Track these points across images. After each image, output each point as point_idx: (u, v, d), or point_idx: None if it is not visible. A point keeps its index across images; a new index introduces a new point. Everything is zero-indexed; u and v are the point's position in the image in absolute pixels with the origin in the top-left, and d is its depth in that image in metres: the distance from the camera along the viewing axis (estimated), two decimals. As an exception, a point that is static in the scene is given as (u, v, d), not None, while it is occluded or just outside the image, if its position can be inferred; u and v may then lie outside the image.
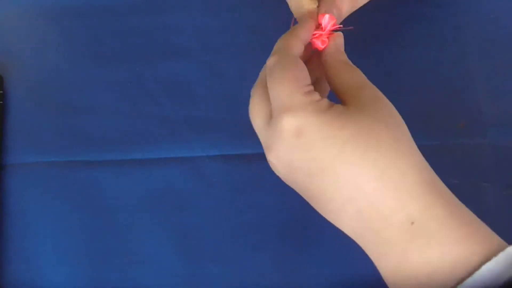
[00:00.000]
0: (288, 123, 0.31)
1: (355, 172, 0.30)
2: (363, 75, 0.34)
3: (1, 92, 0.46)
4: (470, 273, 0.27)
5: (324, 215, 0.33)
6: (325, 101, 0.32)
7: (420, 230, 0.29)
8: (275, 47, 0.35)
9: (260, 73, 0.36)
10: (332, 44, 0.36)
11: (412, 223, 0.29)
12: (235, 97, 0.45)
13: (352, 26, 0.37)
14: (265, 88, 0.33)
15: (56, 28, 0.48)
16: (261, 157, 0.42)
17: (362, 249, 0.38)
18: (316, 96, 0.32)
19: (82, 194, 0.42)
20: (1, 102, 0.45)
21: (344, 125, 0.30)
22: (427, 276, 0.29)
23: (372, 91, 0.33)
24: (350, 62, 0.35)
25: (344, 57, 0.35)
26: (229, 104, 0.45)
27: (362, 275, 0.38)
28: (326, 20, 0.36)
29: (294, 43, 0.34)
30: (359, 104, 0.32)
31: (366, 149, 0.30)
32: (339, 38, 0.36)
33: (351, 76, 0.34)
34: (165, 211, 0.42)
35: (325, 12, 0.36)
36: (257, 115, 0.34)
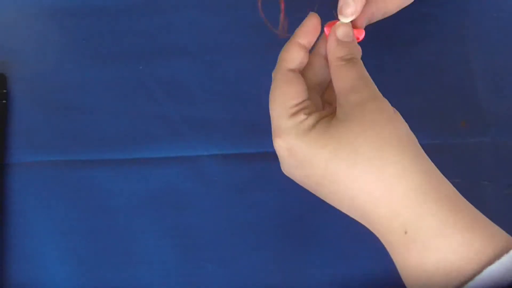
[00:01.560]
0: (279, 146, 0.33)
1: (345, 187, 0.31)
2: (354, 76, 0.33)
3: (5, 91, 0.45)
4: (470, 278, 0.27)
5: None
6: (309, 121, 0.32)
7: (413, 238, 0.29)
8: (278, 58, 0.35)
9: None
10: (331, 39, 0.35)
11: (406, 232, 0.29)
12: (235, 97, 0.45)
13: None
14: None
15: (56, 28, 0.48)
16: (261, 157, 0.42)
17: (361, 249, 0.38)
18: (301, 116, 0.32)
19: (82, 194, 0.42)
20: (5, 101, 0.45)
21: (326, 143, 0.31)
22: (425, 281, 0.29)
23: (357, 96, 0.32)
24: (349, 57, 0.33)
25: (344, 51, 0.34)
26: (229, 104, 0.45)
27: (362, 275, 0.38)
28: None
29: (291, 52, 0.34)
30: (343, 113, 0.32)
31: (351, 164, 0.30)
32: (343, 28, 0.34)
33: (342, 79, 0.33)
34: (165, 211, 0.42)
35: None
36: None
